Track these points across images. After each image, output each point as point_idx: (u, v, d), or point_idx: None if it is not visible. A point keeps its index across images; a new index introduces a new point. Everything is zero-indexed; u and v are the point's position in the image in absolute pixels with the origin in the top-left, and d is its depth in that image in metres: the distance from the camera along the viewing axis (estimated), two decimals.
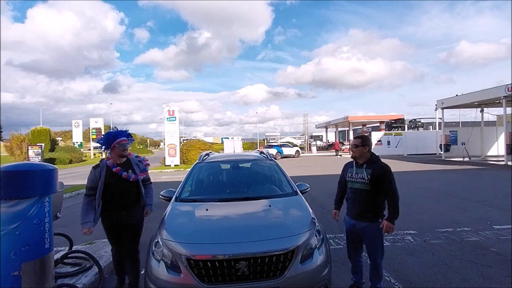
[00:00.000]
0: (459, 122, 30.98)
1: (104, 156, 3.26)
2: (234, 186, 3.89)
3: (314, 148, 36.95)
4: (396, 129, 30.40)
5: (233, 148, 27.37)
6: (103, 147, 2.99)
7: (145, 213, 3.11)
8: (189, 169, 4.11)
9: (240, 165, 4.30)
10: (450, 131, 22.16)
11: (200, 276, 2.22)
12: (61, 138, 50.88)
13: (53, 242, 2.18)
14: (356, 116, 37.41)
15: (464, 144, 20.60)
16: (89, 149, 42.65)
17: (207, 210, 2.98)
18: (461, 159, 19.95)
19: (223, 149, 28.96)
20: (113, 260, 3.17)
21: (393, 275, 3.39)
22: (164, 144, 25.06)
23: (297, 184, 3.72)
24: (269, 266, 2.26)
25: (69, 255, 3.70)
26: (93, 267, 3.42)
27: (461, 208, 6.49)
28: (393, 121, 32.36)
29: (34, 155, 21.55)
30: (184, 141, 32.37)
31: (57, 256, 3.57)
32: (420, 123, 33.23)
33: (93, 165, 2.94)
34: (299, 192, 3.52)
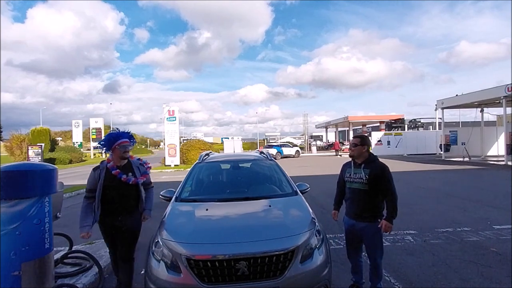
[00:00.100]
0: (459, 122, 31.00)
1: (104, 157, 3.19)
2: (234, 186, 3.89)
3: (314, 148, 36.94)
4: (396, 129, 30.39)
5: (233, 148, 27.36)
6: (104, 148, 2.94)
7: (143, 217, 3.01)
8: (189, 169, 4.10)
9: (240, 165, 4.30)
10: (450, 131, 22.16)
11: (200, 276, 2.22)
12: (61, 138, 50.88)
13: (53, 242, 2.18)
14: (356, 116, 37.44)
15: (464, 144, 20.60)
16: (89, 149, 42.66)
17: (207, 210, 2.98)
18: (461, 159, 19.94)
19: (223, 149, 28.95)
20: (111, 261, 3.15)
21: (393, 275, 3.39)
22: (164, 144, 25.06)
23: (297, 184, 3.72)
24: (269, 266, 2.26)
25: (69, 255, 3.70)
26: (93, 267, 3.42)
27: (461, 208, 6.49)
28: (393, 121, 32.37)
29: (34, 155, 21.53)
30: (184, 141, 32.37)
31: (57, 256, 3.57)
32: (420, 123, 33.22)
33: (93, 167, 2.91)
34: (299, 192, 3.52)
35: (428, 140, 27.22)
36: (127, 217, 2.85)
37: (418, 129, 31.89)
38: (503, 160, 16.67)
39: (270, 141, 45.77)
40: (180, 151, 21.72)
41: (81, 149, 36.61)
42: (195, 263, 2.25)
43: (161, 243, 2.47)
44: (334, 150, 30.81)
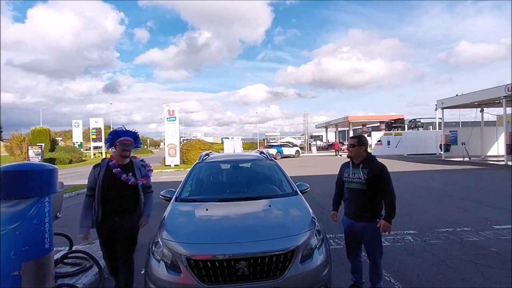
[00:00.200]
0: (459, 122, 30.99)
1: (104, 157, 3.15)
2: (234, 186, 3.89)
3: (314, 148, 36.95)
4: (396, 129, 30.38)
5: (233, 148, 27.35)
6: (107, 144, 2.93)
7: (140, 223, 2.89)
8: (189, 169, 4.10)
9: (240, 165, 4.30)
10: (450, 131, 22.15)
11: (200, 276, 2.22)
12: (61, 138, 50.89)
13: (53, 242, 2.18)
14: (356, 116, 37.43)
15: (464, 144, 20.59)
16: (88, 149, 42.64)
17: (207, 210, 2.98)
18: (461, 159, 19.94)
19: (223, 149, 28.94)
20: (108, 268, 3.04)
21: (393, 275, 3.39)
22: (164, 144, 25.05)
23: (297, 184, 3.72)
24: (269, 266, 2.26)
25: (69, 255, 3.70)
26: (93, 267, 3.42)
27: (461, 208, 6.49)
28: (393, 121, 32.36)
29: (34, 155, 21.52)
30: (184, 141, 32.37)
31: (57, 256, 3.57)
32: (420, 123, 33.20)
33: (94, 164, 2.88)
34: (299, 192, 3.52)
35: (428, 140, 27.21)
36: (125, 218, 2.79)
37: (418, 129, 31.88)
38: (503, 160, 16.66)
39: (270, 141, 45.76)
40: (180, 151, 21.72)
41: (81, 149, 36.60)
42: (195, 263, 2.25)
43: (161, 243, 2.47)
44: (334, 150, 30.81)
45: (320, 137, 53.62)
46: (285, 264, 2.29)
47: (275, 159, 5.61)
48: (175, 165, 20.44)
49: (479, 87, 22.53)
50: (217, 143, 49.70)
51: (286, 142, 37.92)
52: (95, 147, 41.13)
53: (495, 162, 17.38)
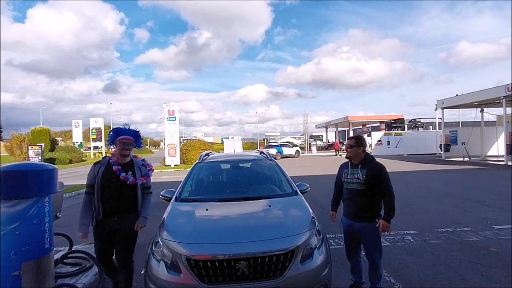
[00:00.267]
0: (459, 122, 30.97)
1: (104, 156, 3.10)
2: (234, 186, 3.89)
3: (314, 148, 36.95)
4: (396, 129, 30.38)
5: (233, 148, 27.35)
6: (108, 141, 2.90)
7: (136, 226, 2.78)
8: (189, 169, 4.10)
9: (240, 165, 4.30)
10: (450, 131, 22.16)
11: (200, 276, 2.22)
12: (61, 138, 50.90)
13: (53, 242, 2.18)
14: (356, 116, 37.42)
15: (464, 144, 20.60)
16: (88, 149, 42.64)
17: (207, 210, 2.98)
18: (461, 159, 19.94)
19: (223, 149, 28.94)
20: (104, 270, 2.94)
21: (393, 275, 3.39)
22: (164, 144, 25.05)
23: (297, 184, 3.72)
24: (269, 266, 2.26)
25: (69, 255, 3.70)
26: (93, 267, 3.42)
27: (461, 208, 6.49)
28: (393, 121, 32.36)
29: (34, 155, 21.52)
30: (184, 141, 32.38)
31: (57, 256, 3.57)
32: (420, 123, 33.22)
33: (95, 162, 2.86)
34: (299, 192, 3.52)
35: (428, 140, 27.22)
36: (125, 218, 2.75)
37: (418, 129, 31.89)
38: (503, 160, 16.67)
39: (270, 141, 45.75)
40: (180, 151, 21.72)
41: (81, 149, 36.61)
42: (195, 263, 2.25)
43: (161, 243, 2.47)
44: (334, 150, 30.81)
45: (320, 137, 53.63)
46: (285, 264, 2.29)
47: (275, 159, 5.61)
48: (175, 165, 20.44)
49: (479, 87, 22.58)
50: (217, 143, 49.70)
51: (286, 142, 37.92)
52: (95, 147, 41.11)
53: (495, 162, 17.38)
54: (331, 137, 50.69)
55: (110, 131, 2.91)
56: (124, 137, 2.81)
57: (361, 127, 44.04)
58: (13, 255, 1.94)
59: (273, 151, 25.51)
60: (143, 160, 3.03)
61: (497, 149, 21.26)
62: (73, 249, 3.87)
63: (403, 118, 32.51)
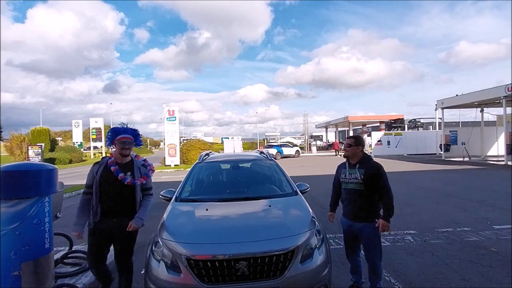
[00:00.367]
0: (459, 122, 30.98)
1: (104, 156, 3.04)
2: (234, 186, 3.89)
3: (314, 148, 36.96)
4: (396, 129, 30.37)
5: (233, 148, 27.36)
6: (107, 142, 2.84)
7: (129, 225, 2.62)
8: (189, 169, 4.10)
9: (240, 165, 4.30)
10: (450, 131, 22.16)
11: (200, 276, 2.22)
12: (61, 138, 50.87)
13: (53, 242, 2.18)
14: (356, 116, 37.44)
15: (464, 144, 20.60)
16: (88, 148, 42.64)
17: (207, 210, 2.98)
18: (461, 159, 19.94)
19: (223, 149, 28.94)
20: (95, 274, 2.78)
21: (393, 275, 3.39)
22: (164, 144, 25.06)
23: (297, 184, 3.72)
24: (269, 266, 2.26)
25: (69, 255, 3.71)
26: None
27: (461, 208, 6.49)
28: (393, 121, 32.35)
29: (34, 155, 21.53)
30: (184, 141, 32.38)
31: (57, 256, 3.57)
32: (420, 123, 33.22)
33: (94, 162, 2.81)
34: (299, 192, 3.52)
35: (428, 140, 27.22)
36: (124, 219, 2.65)
37: (418, 129, 31.89)
38: (503, 160, 16.67)
39: (270, 141, 45.74)
40: (180, 151, 21.72)
41: (81, 149, 36.62)
42: (195, 263, 2.25)
43: (161, 243, 2.47)
44: (334, 150, 30.81)
45: (320, 137, 53.62)
46: (285, 264, 2.29)
47: (275, 159, 5.61)
48: (175, 165, 20.44)
49: (479, 87, 22.58)
50: (217, 143, 49.70)
51: (286, 142, 37.91)
52: (95, 147, 41.11)
53: (495, 162, 17.38)
54: (331, 137, 50.70)
55: (108, 132, 2.84)
56: (123, 137, 2.74)
57: (361, 127, 44.05)
58: (13, 255, 1.94)
59: (273, 151, 25.51)
60: (144, 160, 2.95)
61: (497, 149, 21.26)
62: (73, 249, 3.88)
63: (403, 118, 32.52)
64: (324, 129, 50.08)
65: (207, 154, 4.60)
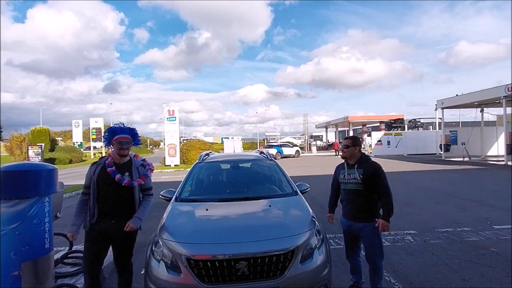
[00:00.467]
0: (459, 122, 30.99)
1: (101, 156, 2.99)
2: (234, 186, 3.89)
3: (314, 148, 36.98)
4: (396, 129, 30.40)
5: (233, 148, 27.36)
6: (105, 142, 2.79)
7: (127, 225, 2.54)
8: (189, 169, 4.10)
9: (240, 165, 4.31)
10: (450, 131, 22.17)
11: (200, 276, 2.22)
12: (61, 138, 50.91)
13: (53, 242, 2.18)
14: (356, 116, 37.47)
15: (464, 144, 20.61)
16: (87, 148, 42.64)
17: (207, 210, 2.98)
18: (461, 159, 19.95)
19: (223, 149, 28.95)
20: (88, 278, 2.64)
21: (393, 275, 3.39)
22: (164, 144, 25.07)
23: (297, 184, 3.72)
24: (269, 266, 2.26)
25: (69, 255, 3.71)
26: None
27: (461, 208, 6.49)
28: (393, 121, 32.38)
29: (34, 155, 21.54)
30: (184, 141, 32.39)
31: (57, 256, 3.57)
32: (420, 123, 33.24)
33: (92, 162, 2.78)
34: (299, 192, 3.52)
35: (428, 140, 27.23)
36: (122, 220, 2.58)
37: (418, 129, 31.91)
38: (503, 160, 16.67)
39: (270, 141, 45.76)
40: (180, 151, 21.74)
41: (81, 149, 36.63)
42: (195, 263, 2.25)
43: (161, 243, 2.47)
44: (334, 150, 30.82)
45: (320, 137, 53.65)
46: (285, 264, 2.29)
47: (275, 159, 5.61)
48: (175, 165, 20.45)
49: (479, 87, 22.55)
50: (217, 143, 49.71)
51: (286, 142, 37.93)
52: (95, 147, 41.11)
53: (495, 162, 17.39)
54: (331, 137, 50.74)
55: (105, 132, 2.78)
56: (121, 137, 2.67)
57: (361, 127, 44.08)
58: (13, 255, 1.94)
59: (273, 151, 25.52)
60: (143, 160, 2.90)
61: (497, 149, 21.27)
62: (73, 249, 3.88)
63: (403, 118, 32.54)
64: (324, 129, 50.11)
65: (207, 154, 4.60)
